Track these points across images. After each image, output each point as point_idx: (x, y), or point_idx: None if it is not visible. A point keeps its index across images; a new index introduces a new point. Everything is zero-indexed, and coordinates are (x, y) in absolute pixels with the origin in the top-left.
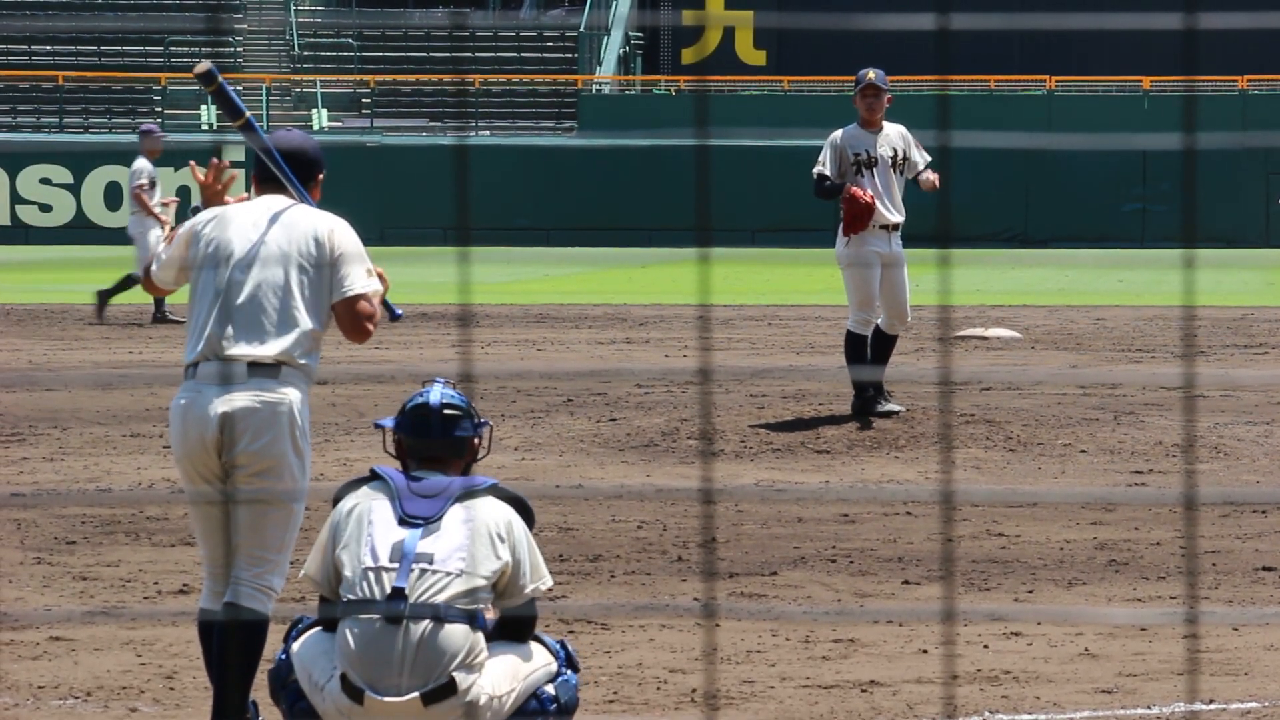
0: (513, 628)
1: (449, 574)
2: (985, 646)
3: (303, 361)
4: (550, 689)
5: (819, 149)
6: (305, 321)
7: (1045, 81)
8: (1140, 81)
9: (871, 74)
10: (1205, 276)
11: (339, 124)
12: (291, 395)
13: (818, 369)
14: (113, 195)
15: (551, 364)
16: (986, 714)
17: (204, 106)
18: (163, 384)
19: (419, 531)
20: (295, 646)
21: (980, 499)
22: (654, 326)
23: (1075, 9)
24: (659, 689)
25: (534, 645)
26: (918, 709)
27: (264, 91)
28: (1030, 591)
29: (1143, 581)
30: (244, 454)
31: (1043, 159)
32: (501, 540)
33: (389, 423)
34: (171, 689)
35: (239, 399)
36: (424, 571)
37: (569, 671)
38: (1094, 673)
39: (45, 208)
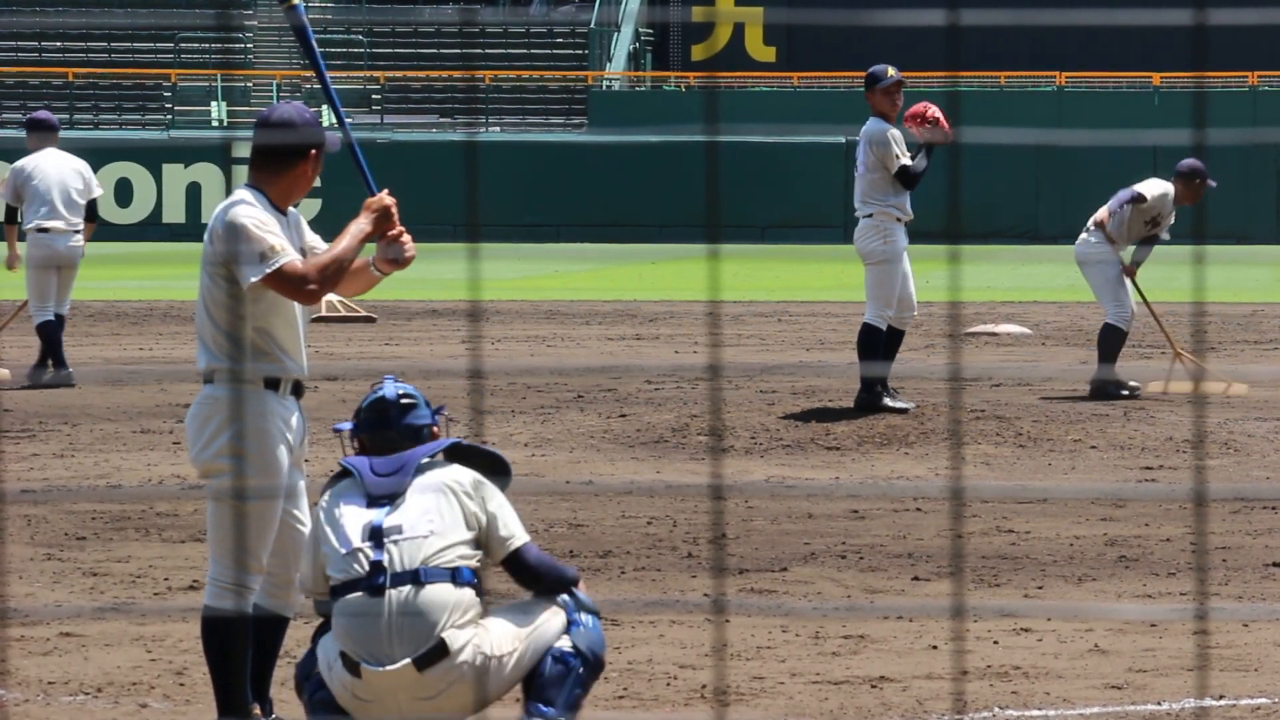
0: (526, 576)
1: (421, 537)
2: (995, 642)
3: (227, 365)
4: (566, 643)
5: (828, 145)
6: (215, 325)
7: (1055, 78)
8: (1151, 78)
9: (891, 70)
10: (1215, 273)
11: (349, 120)
12: (221, 402)
13: (828, 365)
14: (123, 192)
15: (561, 360)
16: (996, 710)
17: (213, 103)
18: (172, 380)
19: (385, 509)
20: (320, 640)
21: (990, 495)
22: (664, 323)
23: (1085, 5)
24: (669, 685)
25: (538, 602)
26: (927, 705)
27: (274, 88)
28: (1040, 587)
29: (1153, 577)
30: (191, 460)
31: (1053, 155)
32: (469, 496)
33: (346, 426)
34: (181, 685)
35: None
36: (396, 542)
37: (582, 616)
38: (1104, 668)
39: None
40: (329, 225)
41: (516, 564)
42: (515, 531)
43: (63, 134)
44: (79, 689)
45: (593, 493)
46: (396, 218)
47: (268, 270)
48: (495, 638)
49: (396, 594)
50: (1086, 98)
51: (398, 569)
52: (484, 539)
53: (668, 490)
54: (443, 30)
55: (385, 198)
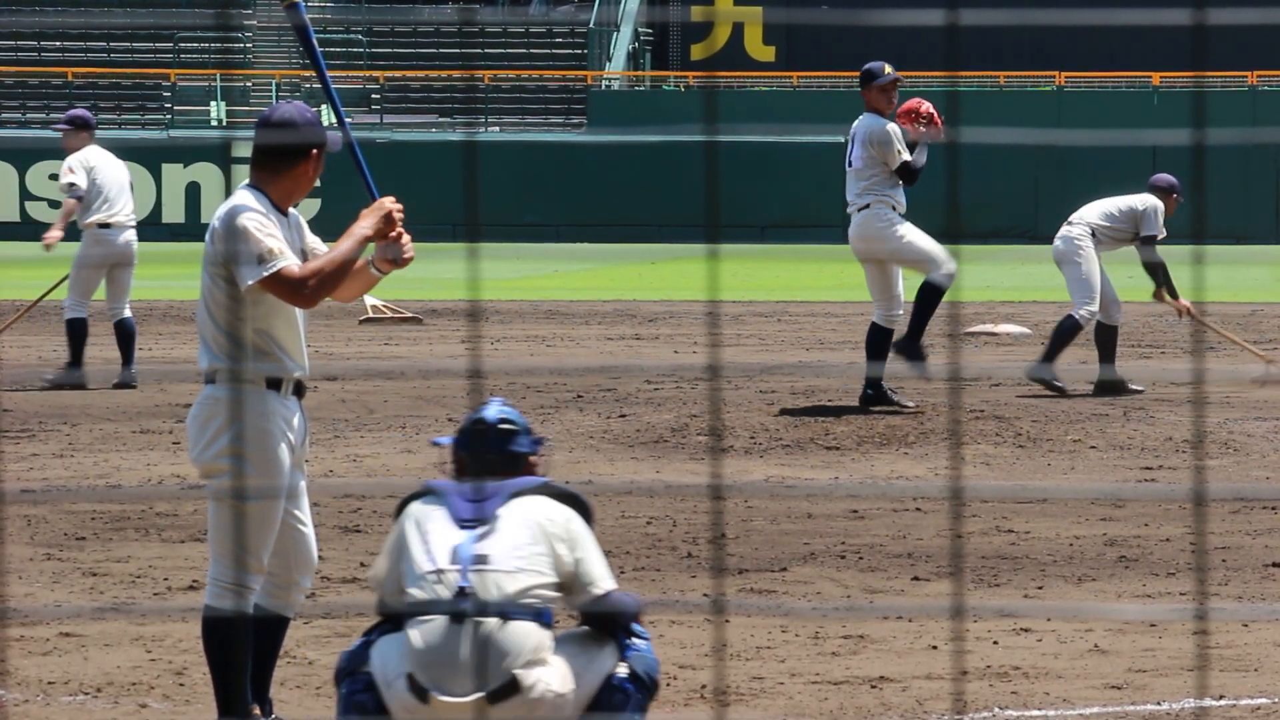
0: (602, 625)
1: (507, 573)
2: (995, 642)
3: (229, 365)
4: (623, 669)
5: (828, 144)
6: (216, 325)
7: (1055, 77)
8: (1150, 77)
9: (888, 68)
10: (1215, 272)
11: (348, 120)
12: (223, 402)
13: (827, 365)
14: None
15: (561, 360)
16: (996, 710)
17: (213, 103)
18: (172, 380)
19: (474, 534)
20: (378, 639)
21: (990, 495)
22: (663, 323)
23: (1085, 5)
24: (669, 685)
25: (590, 632)
26: (927, 705)
27: (274, 88)
28: (1040, 587)
29: (1152, 577)
30: (193, 461)
31: (1052, 155)
32: (560, 539)
33: (447, 440)
34: (181, 685)
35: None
36: (482, 572)
37: (634, 640)
38: (1103, 669)
39: (55, 204)
40: (329, 225)
41: (594, 608)
42: (598, 578)
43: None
44: (79, 689)
45: (592, 492)
46: (397, 220)
47: (265, 274)
48: (559, 675)
49: (479, 625)
50: (1086, 97)
51: (482, 600)
52: (568, 582)
53: (667, 490)
54: (442, 30)
55: (386, 202)
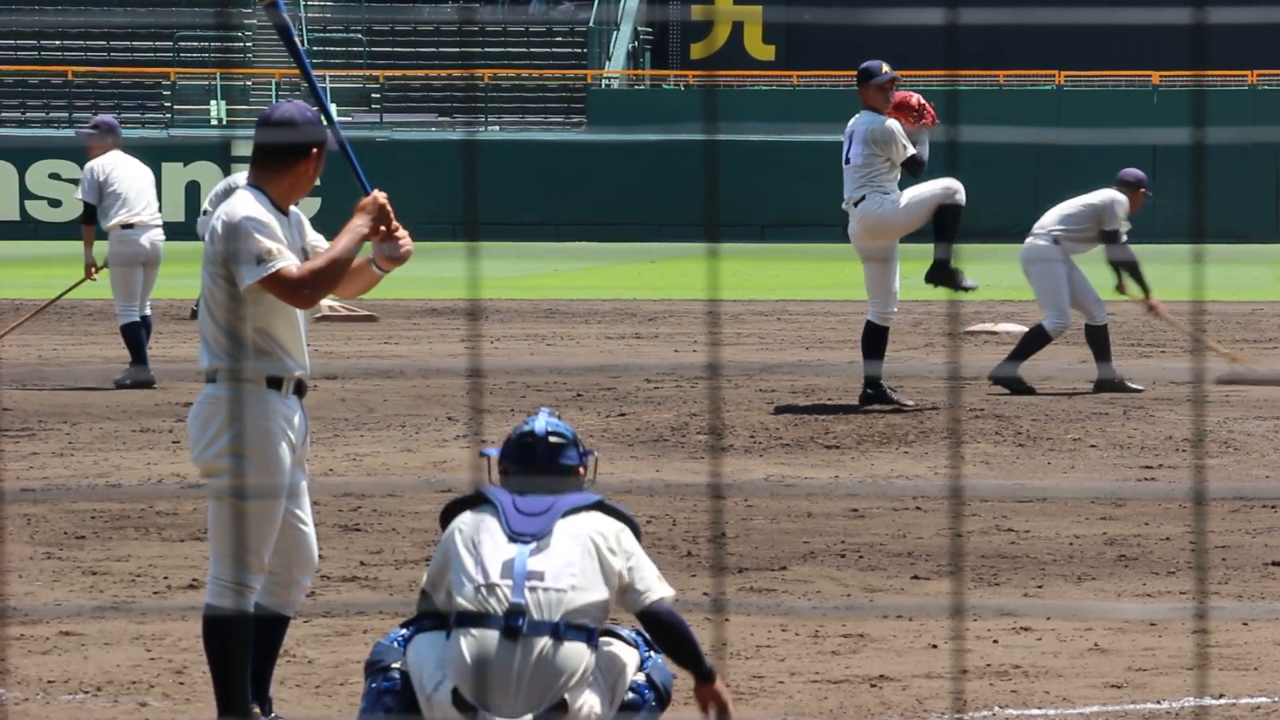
0: (660, 633)
1: (560, 590)
2: (994, 641)
3: (229, 364)
4: (640, 676)
5: (828, 143)
6: (216, 324)
7: (1054, 76)
8: (1150, 77)
9: (886, 66)
10: (1214, 271)
11: (348, 119)
12: (223, 401)
13: (827, 364)
14: None
15: (561, 359)
16: (996, 709)
17: (213, 102)
18: (171, 379)
19: (528, 548)
20: (416, 637)
21: (989, 494)
22: (663, 321)
23: (1085, 4)
24: None
25: (616, 645)
26: (927, 704)
27: (273, 87)
28: (1040, 586)
29: (1152, 576)
30: (194, 460)
31: (1052, 154)
32: (613, 553)
33: (494, 452)
34: (181, 684)
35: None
36: (536, 589)
37: (652, 654)
38: (1103, 668)
39: (54, 203)
40: (328, 224)
41: (650, 619)
42: (652, 586)
43: (61, 133)
44: (78, 688)
45: None
46: (392, 214)
47: (263, 274)
48: (598, 695)
49: (532, 644)
50: (1085, 97)
51: (536, 618)
52: (620, 593)
53: (667, 489)
54: (442, 29)
55: (379, 196)
